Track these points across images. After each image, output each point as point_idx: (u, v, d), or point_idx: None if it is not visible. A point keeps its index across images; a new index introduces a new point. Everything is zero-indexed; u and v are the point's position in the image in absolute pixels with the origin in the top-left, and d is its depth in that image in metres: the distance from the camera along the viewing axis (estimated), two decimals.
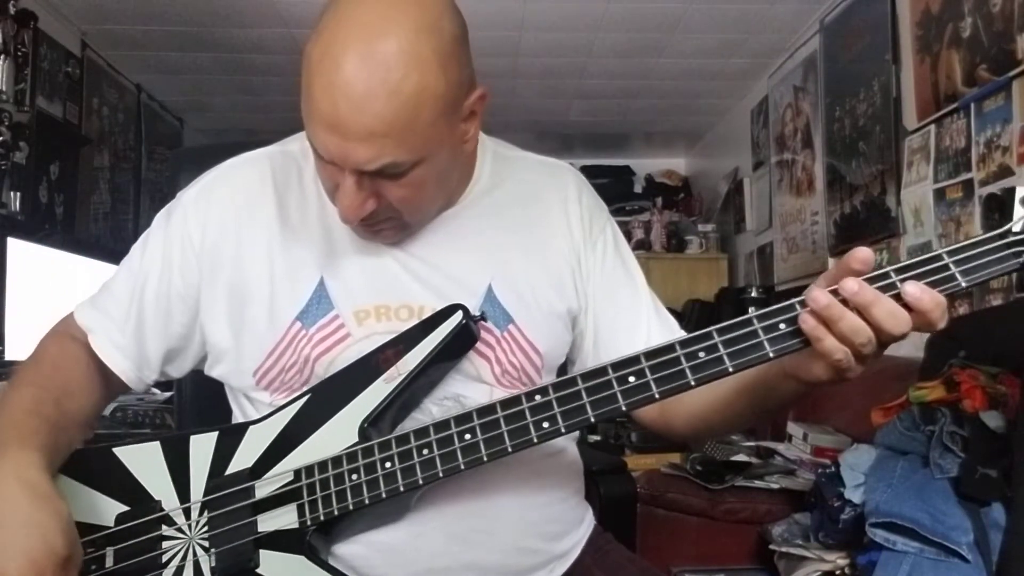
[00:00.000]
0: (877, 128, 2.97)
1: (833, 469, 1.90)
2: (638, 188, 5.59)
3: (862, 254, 0.73)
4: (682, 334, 0.97)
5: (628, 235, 4.57)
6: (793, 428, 2.57)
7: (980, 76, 2.34)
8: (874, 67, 2.97)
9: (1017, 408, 1.66)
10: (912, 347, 2.56)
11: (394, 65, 0.80)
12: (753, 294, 3.90)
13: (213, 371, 1.02)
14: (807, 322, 0.73)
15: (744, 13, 3.44)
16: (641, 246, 4.85)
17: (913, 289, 0.72)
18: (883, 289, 0.73)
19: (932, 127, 2.59)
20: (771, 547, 2.03)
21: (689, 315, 4.30)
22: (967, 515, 1.56)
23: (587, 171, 1.12)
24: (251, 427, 0.93)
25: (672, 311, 1.09)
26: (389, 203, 0.89)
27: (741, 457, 2.45)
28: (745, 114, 4.46)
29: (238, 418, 1.02)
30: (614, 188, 5.22)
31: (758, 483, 2.30)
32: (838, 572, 1.80)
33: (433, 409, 0.93)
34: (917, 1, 2.69)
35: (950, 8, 2.50)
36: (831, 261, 3.28)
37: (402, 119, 0.81)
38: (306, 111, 0.84)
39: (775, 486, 2.28)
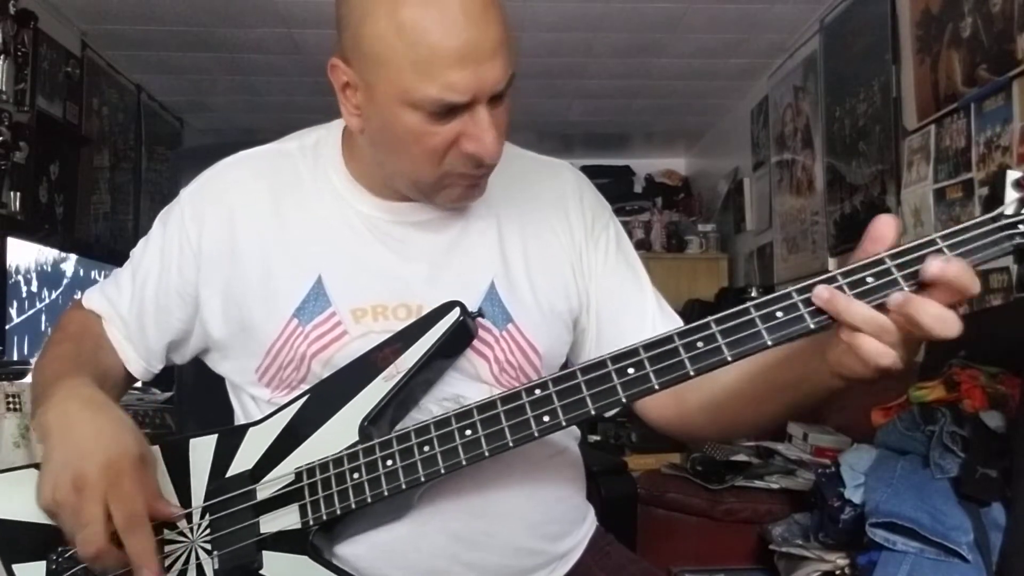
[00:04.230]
0: (877, 128, 2.97)
1: (833, 469, 1.90)
2: (638, 188, 5.59)
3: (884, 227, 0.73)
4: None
5: (628, 235, 4.55)
6: (793, 428, 2.57)
7: (980, 76, 2.34)
8: (874, 67, 2.97)
9: (1017, 408, 1.66)
10: None
11: None
12: (753, 294, 3.90)
13: (218, 367, 1.03)
14: (842, 329, 0.72)
15: (744, 13, 3.44)
16: (641, 246, 4.85)
17: (935, 266, 0.69)
18: (886, 284, 0.72)
19: (932, 127, 2.59)
20: (771, 547, 2.03)
21: (689, 315, 4.28)
22: (967, 515, 1.56)
23: (587, 171, 1.12)
24: (251, 429, 0.93)
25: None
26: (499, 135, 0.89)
27: (741, 457, 2.45)
28: (745, 114, 4.46)
29: (239, 416, 1.03)
30: (614, 188, 5.22)
31: (758, 483, 2.30)
32: (838, 572, 1.80)
33: (433, 408, 0.92)
34: (917, 1, 2.69)
35: (950, 8, 2.50)
36: (831, 261, 3.28)
37: (505, 23, 0.85)
38: (422, 67, 0.82)
39: (775, 486, 2.28)
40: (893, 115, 2.84)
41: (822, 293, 0.73)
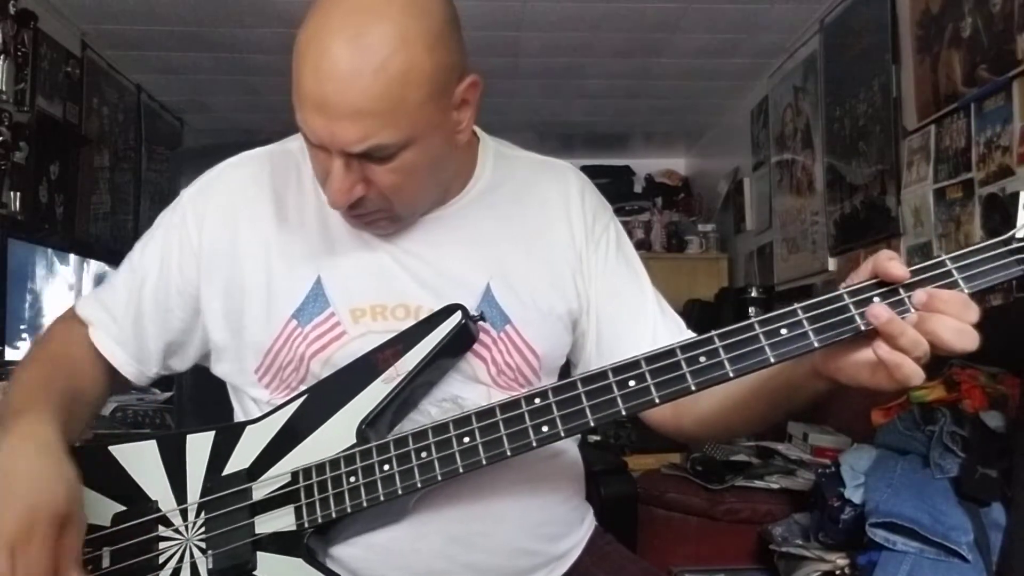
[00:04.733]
0: (877, 128, 2.97)
1: (833, 469, 1.90)
2: (638, 188, 5.58)
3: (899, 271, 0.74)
4: (688, 333, 0.97)
5: (628, 235, 4.55)
6: (793, 428, 2.57)
7: (980, 76, 2.34)
8: (874, 67, 2.97)
9: (1017, 408, 1.66)
10: None
11: (380, 44, 0.81)
12: (753, 294, 3.90)
13: (216, 369, 1.03)
14: (881, 348, 0.73)
15: (744, 13, 3.43)
16: (641, 246, 4.84)
17: (920, 295, 0.72)
18: (895, 303, 0.74)
19: (932, 127, 2.59)
20: (771, 547, 2.03)
21: (689, 315, 4.29)
22: (967, 515, 1.56)
23: (587, 171, 1.12)
24: (248, 427, 0.93)
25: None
26: (379, 190, 0.88)
27: (741, 457, 2.45)
28: (745, 114, 4.46)
29: (239, 417, 1.03)
30: (614, 188, 5.21)
31: (758, 483, 2.31)
32: (838, 572, 1.80)
33: (431, 410, 0.93)
34: (917, 1, 2.69)
35: (950, 8, 2.50)
36: (831, 261, 3.28)
37: (388, 97, 0.82)
38: (296, 96, 0.85)
39: (775, 486, 2.28)
40: (893, 115, 2.84)
41: (881, 314, 0.73)
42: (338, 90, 0.81)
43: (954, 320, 0.71)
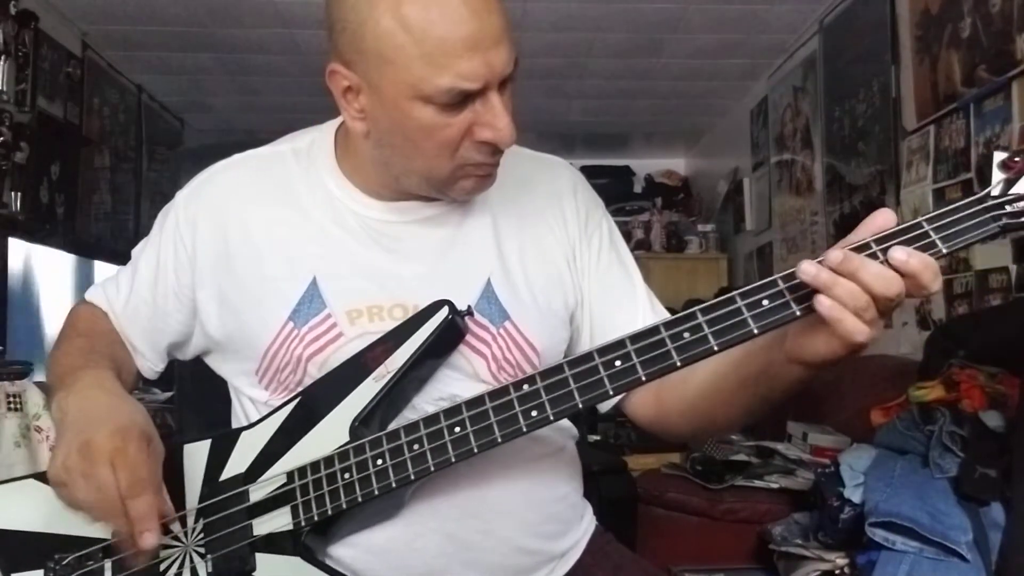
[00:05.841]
0: (876, 128, 2.97)
1: (833, 469, 1.90)
2: (638, 188, 5.59)
3: (882, 218, 0.74)
4: None
5: (628, 235, 4.58)
6: (793, 428, 2.57)
7: (979, 76, 2.34)
8: (873, 67, 2.97)
9: (1016, 408, 1.66)
10: (911, 347, 2.56)
11: None
12: None
13: (220, 370, 1.04)
14: (822, 304, 0.73)
15: (744, 13, 3.44)
16: (641, 246, 4.85)
17: (899, 254, 0.71)
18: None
19: (931, 127, 2.59)
20: (771, 547, 2.03)
21: None
22: (966, 515, 1.56)
23: (587, 171, 1.12)
24: (243, 432, 0.93)
25: (671, 311, 1.08)
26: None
27: (741, 457, 2.45)
28: (745, 114, 4.46)
29: (237, 416, 1.03)
30: (614, 188, 5.22)
31: (758, 483, 2.30)
32: (838, 572, 1.81)
33: (428, 408, 0.92)
34: (916, 2, 2.69)
35: (949, 9, 2.50)
36: None
37: (504, 10, 0.86)
38: (431, 58, 0.83)
39: (775, 486, 2.28)
40: (892, 115, 2.84)
41: (808, 268, 0.73)
42: (484, 19, 0.83)
43: (878, 266, 0.71)
